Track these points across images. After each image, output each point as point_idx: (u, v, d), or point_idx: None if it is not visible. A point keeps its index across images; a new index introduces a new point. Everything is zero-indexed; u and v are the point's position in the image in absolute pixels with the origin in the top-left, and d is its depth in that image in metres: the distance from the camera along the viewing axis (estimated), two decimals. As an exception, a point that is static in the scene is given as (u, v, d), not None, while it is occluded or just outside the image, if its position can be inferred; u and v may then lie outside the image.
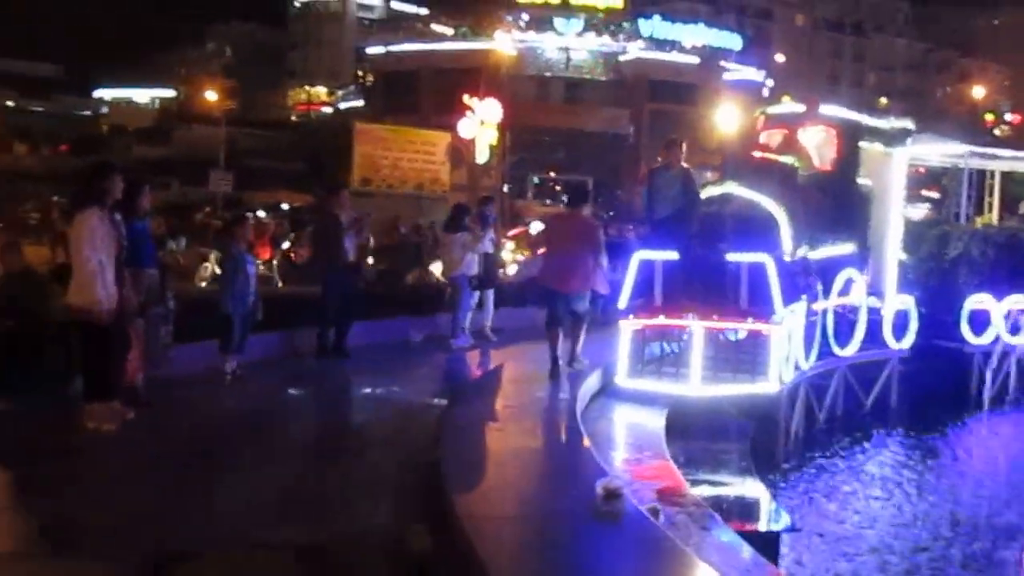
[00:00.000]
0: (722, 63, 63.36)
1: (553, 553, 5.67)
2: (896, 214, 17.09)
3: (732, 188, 13.61)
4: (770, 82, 70.28)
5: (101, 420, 8.58)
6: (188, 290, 13.76)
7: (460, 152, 39.77)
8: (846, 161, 15.71)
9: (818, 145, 15.71)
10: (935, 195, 24.65)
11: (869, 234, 16.30)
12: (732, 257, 12.05)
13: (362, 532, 6.61)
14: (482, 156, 40.28)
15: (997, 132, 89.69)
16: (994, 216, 22.23)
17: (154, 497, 7.07)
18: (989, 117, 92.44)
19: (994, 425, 16.85)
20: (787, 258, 13.20)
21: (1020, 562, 9.07)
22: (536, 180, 58.22)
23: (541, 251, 13.72)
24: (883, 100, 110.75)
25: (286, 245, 25.97)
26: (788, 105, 17.20)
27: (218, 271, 20.98)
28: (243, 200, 46.81)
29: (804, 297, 13.28)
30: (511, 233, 31.97)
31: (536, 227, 33.46)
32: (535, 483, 7.28)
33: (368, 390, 11.88)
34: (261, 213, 37.05)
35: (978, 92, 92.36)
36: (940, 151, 20.42)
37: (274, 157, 68.84)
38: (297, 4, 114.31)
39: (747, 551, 6.78)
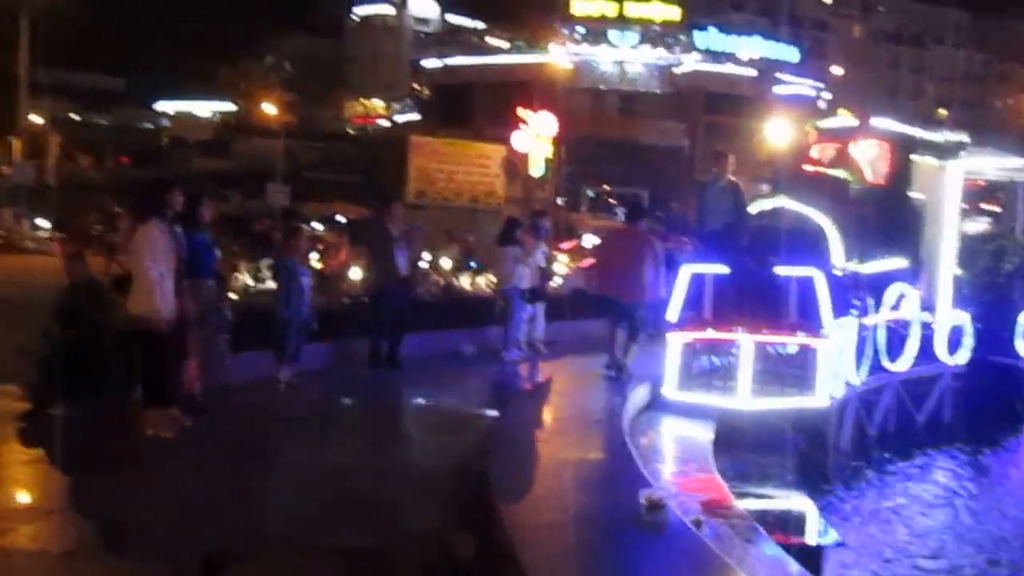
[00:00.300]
0: (778, 75, 63.05)
1: (594, 562, 5.80)
2: (950, 228, 16.92)
3: (783, 201, 13.68)
4: (827, 94, 69.81)
5: (160, 426, 8.86)
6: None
7: (515, 165, 39.93)
8: (898, 175, 15.68)
9: (871, 159, 15.69)
10: (996, 209, 24.25)
11: (922, 248, 16.19)
12: (781, 270, 12.09)
13: (409, 537, 6.79)
14: (537, 169, 40.47)
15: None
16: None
17: (209, 500, 7.33)
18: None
19: None
20: (837, 272, 13.22)
21: None
22: (591, 193, 58.20)
23: (586, 263, 13.97)
24: (942, 112, 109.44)
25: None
26: (840, 119, 17.15)
27: (250, 283, 21.38)
28: (300, 212, 47.41)
29: (854, 312, 13.27)
30: (564, 246, 32.03)
31: (589, 240, 33.61)
32: (579, 493, 7.38)
33: (419, 400, 12.07)
34: (317, 225, 37.44)
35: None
36: (996, 164, 20.18)
37: (331, 169, 69.51)
38: (355, 18, 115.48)
39: (790, 565, 6.82)
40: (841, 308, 12.62)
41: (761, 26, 79.84)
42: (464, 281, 21.67)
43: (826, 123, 16.80)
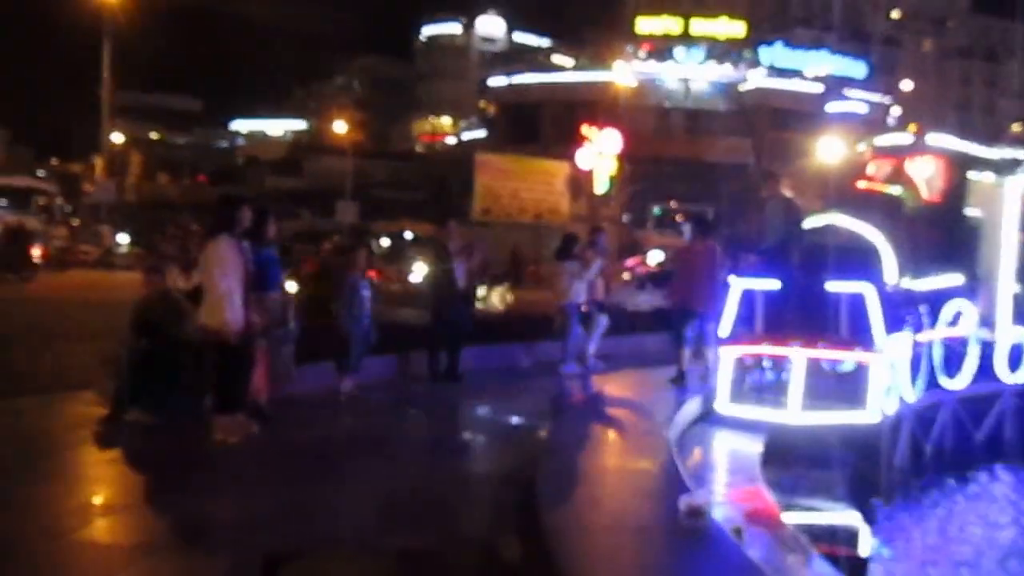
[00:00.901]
0: (845, 91, 62.70)
1: (630, 564, 6.07)
2: (1008, 245, 16.87)
3: (835, 218, 13.81)
4: (896, 109, 69.18)
5: (228, 432, 9.31)
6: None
7: (579, 182, 40.33)
8: (954, 192, 15.59)
9: (927, 176, 15.68)
10: None
11: (979, 265, 16.14)
12: (833, 286, 12.19)
13: (459, 541, 7.13)
14: (601, 186, 40.79)
15: None
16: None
17: (272, 502, 7.73)
18: None
19: None
20: (889, 288, 13.31)
21: None
22: (657, 211, 58.33)
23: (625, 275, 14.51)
24: (1016, 127, 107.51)
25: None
26: (896, 136, 17.14)
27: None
28: (369, 228, 48.21)
29: (908, 328, 13.33)
30: (629, 263, 32.26)
31: (654, 257, 33.79)
32: (623, 500, 7.65)
33: (475, 412, 12.44)
34: (385, 241, 38.10)
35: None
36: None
37: (399, 187, 70.48)
38: (423, 38, 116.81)
39: (827, 571, 7.01)
40: (894, 324, 12.69)
41: (828, 42, 79.38)
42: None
43: (882, 140, 16.77)
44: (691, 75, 61.33)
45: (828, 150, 39.37)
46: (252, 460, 9.09)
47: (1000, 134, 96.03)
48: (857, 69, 66.20)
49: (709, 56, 61.60)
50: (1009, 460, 15.20)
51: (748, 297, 12.27)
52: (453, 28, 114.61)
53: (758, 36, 66.11)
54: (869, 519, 10.78)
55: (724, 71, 61.51)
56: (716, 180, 54.26)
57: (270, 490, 8.12)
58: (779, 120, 58.28)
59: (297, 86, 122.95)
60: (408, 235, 45.02)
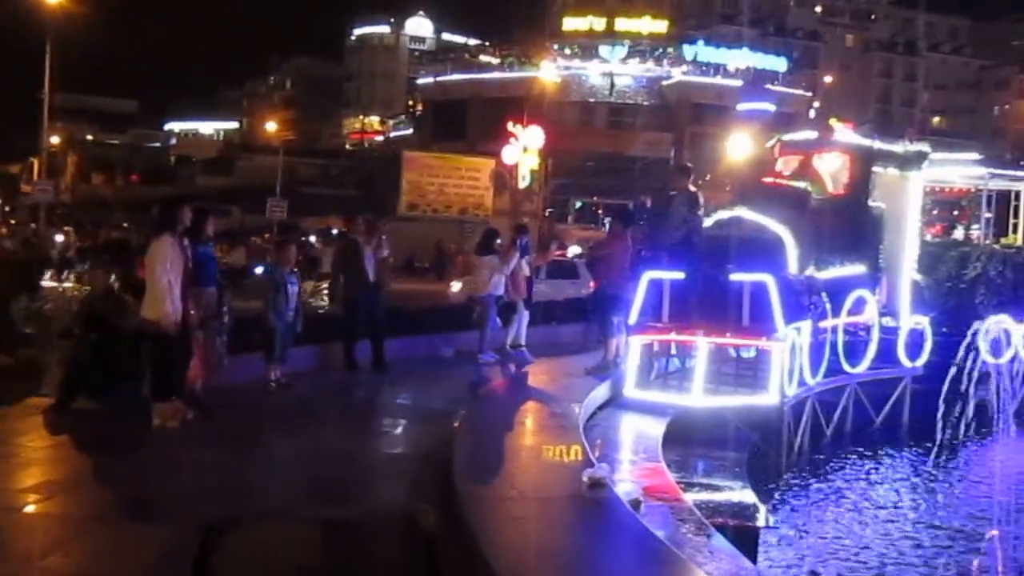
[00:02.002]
0: (767, 86, 63.92)
1: (534, 528, 6.67)
2: (911, 236, 17.53)
3: (741, 212, 14.49)
4: (817, 103, 70.64)
5: (166, 417, 9.95)
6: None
7: (504, 178, 40.95)
8: (858, 185, 16.26)
9: (833, 171, 16.33)
10: (988, 215, 24.89)
11: (881, 255, 16.85)
12: (736, 277, 12.79)
13: (380, 511, 7.72)
14: (524, 181, 41.53)
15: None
16: (1019, 237, 22.49)
17: (209, 478, 8.42)
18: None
19: (1009, 444, 17.06)
20: (792, 278, 13.99)
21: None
22: (579, 204, 59.14)
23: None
24: (936, 119, 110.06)
25: None
26: (803, 132, 17.84)
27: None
28: (298, 226, 48.45)
29: (810, 316, 14.00)
30: (551, 255, 32.86)
31: (574, 251, 34.45)
32: (531, 474, 8.24)
33: (398, 397, 12.96)
34: (312, 238, 38.41)
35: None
36: (961, 173, 20.90)
37: (329, 184, 70.65)
38: (353, 38, 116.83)
39: (715, 538, 7.47)
40: (796, 312, 13.35)
41: (751, 37, 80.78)
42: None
43: (790, 136, 17.44)
44: (615, 71, 62.11)
45: (737, 147, 40.42)
46: (189, 442, 9.68)
47: (923, 126, 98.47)
48: (779, 64, 67.46)
49: (633, 53, 62.47)
50: (906, 442, 15.82)
51: (656, 287, 12.79)
52: (382, 29, 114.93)
53: (681, 33, 67.22)
54: (766, 496, 11.42)
55: (647, 67, 62.40)
56: (638, 174, 55.24)
57: (207, 469, 8.74)
58: (701, 115, 59.31)
59: (230, 86, 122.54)
60: (336, 231, 45.36)
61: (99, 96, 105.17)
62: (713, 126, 57.50)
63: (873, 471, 14.38)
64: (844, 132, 17.13)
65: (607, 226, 27.59)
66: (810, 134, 17.47)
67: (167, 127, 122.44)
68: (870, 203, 16.73)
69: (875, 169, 16.76)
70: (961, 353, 15.56)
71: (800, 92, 68.26)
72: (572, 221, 55.19)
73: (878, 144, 17.52)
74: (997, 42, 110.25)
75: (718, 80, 62.21)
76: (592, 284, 24.73)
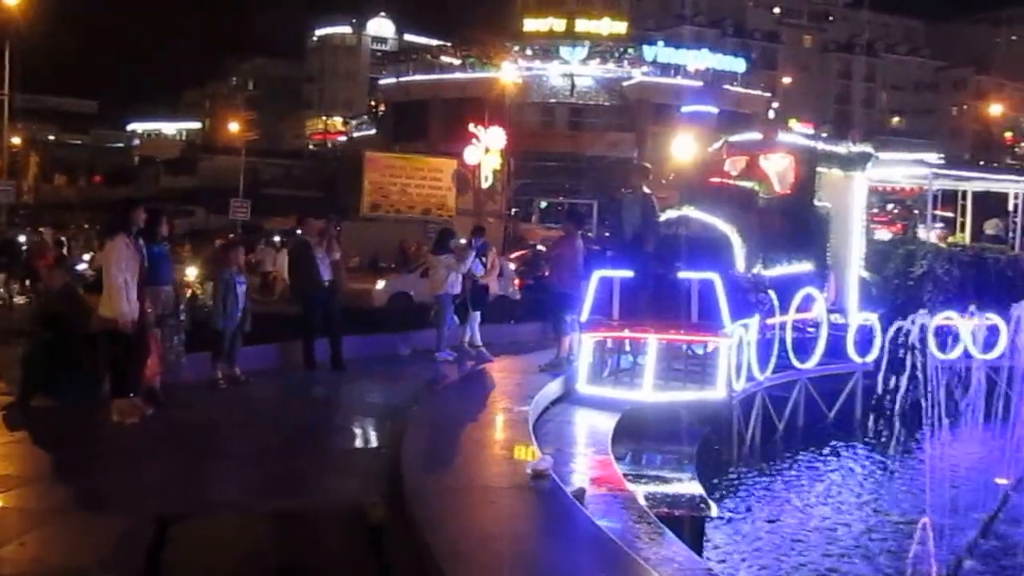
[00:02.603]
0: (726, 86, 64.55)
1: (479, 517, 6.94)
2: (857, 234, 18.00)
3: (689, 211, 14.85)
4: (776, 104, 71.38)
5: (124, 414, 10.16)
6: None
7: (466, 178, 41.21)
8: (803, 185, 16.74)
9: (779, 171, 16.77)
10: (949, 215, 25.37)
11: (828, 253, 17.32)
12: (684, 275, 13.08)
13: (330, 504, 7.96)
14: (486, 182, 41.88)
15: (1017, 150, 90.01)
16: (966, 235, 22.98)
17: (165, 472, 8.67)
18: (1008, 135, 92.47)
19: (963, 438, 17.42)
20: (740, 276, 14.34)
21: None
22: (543, 204, 59.47)
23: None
24: (895, 119, 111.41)
25: None
26: (749, 133, 18.24)
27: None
28: (261, 226, 48.50)
29: (758, 312, 14.34)
30: (514, 255, 33.17)
31: (538, 249, 34.75)
32: (478, 466, 8.50)
33: (353, 394, 13.21)
34: (276, 238, 38.52)
35: (995, 109, 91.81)
36: (905, 173, 21.38)
37: (291, 185, 70.68)
38: (315, 39, 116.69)
39: (658, 527, 7.63)
40: (743, 309, 13.68)
41: (710, 38, 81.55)
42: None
43: (737, 138, 17.84)
44: (576, 72, 62.50)
45: (682, 148, 41.00)
46: (146, 438, 9.93)
47: (882, 126, 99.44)
48: (737, 64, 68.10)
49: (593, 54, 62.90)
50: (857, 436, 16.15)
51: (607, 285, 13.05)
52: (344, 29, 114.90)
53: (641, 34, 67.73)
54: (715, 488, 11.73)
55: (608, 68, 62.84)
56: (600, 173, 55.61)
57: (162, 463, 9.01)
58: (662, 115, 59.73)
59: (193, 87, 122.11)
60: (299, 231, 45.26)
61: (60, 96, 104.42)
62: (674, 126, 57.95)
63: (821, 464, 14.65)
64: (788, 134, 17.59)
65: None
66: (756, 135, 17.94)
67: (129, 127, 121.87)
68: (816, 202, 17.20)
69: (820, 169, 17.23)
70: (910, 349, 16.16)
71: (759, 93, 68.93)
72: (536, 221, 55.53)
73: (822, 145, 18.02)
74: (951, 43, 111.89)
75: (678, 80, 62.74)
76: (517, 282, 25.23)
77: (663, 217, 14.70)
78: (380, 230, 33.69)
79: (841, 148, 18.05)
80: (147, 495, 7.89)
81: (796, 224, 16.46)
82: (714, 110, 55.19)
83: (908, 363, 16.86)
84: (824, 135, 68.86)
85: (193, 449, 9.66)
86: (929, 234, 23.99)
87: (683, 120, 52.52)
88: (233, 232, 42.90)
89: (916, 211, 22.70)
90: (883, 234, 28.85)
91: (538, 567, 6.02)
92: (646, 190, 14.13)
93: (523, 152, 49.89)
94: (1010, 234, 20.93)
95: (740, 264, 14.65)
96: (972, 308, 16.80)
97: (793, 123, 72.66)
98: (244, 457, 9.49)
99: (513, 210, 54.50)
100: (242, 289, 12.80)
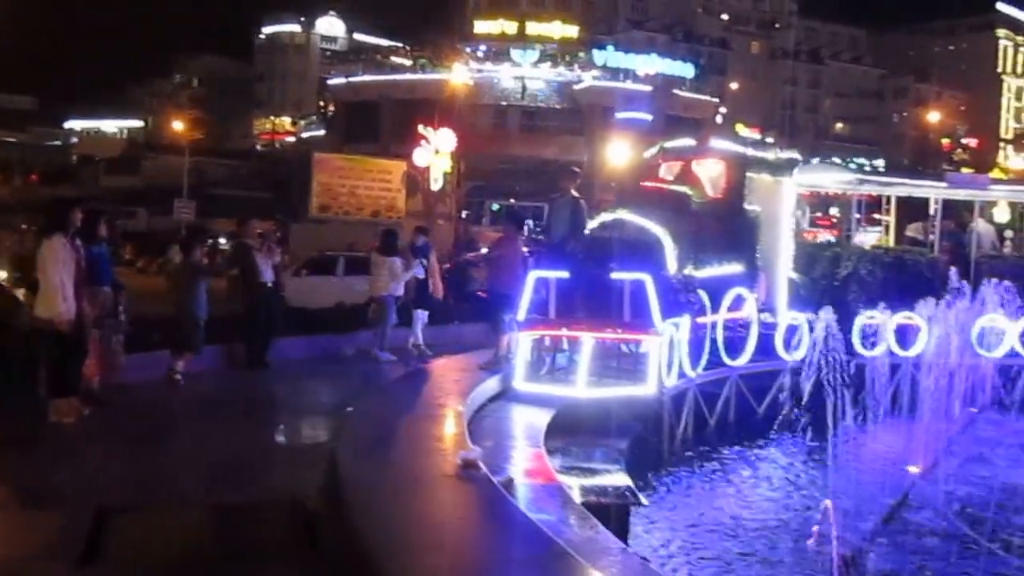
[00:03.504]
0: (675, 90, 65.39)
1: (404, 505, 7.32)
2: (786, 237, 18.63)
3: (622, 214, 15.35)
4: (724, 109, 72.35)
5: (62, 414, 10.37)
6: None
7: (416, 180, 41.47)
8: (735, 190, 17.30)
9: (711, 176, 17.35)
10: (887, 219, 26.04)
11: (758, 255, 17.84)
12: (616, 275, 13.48)
13: (267, 496, 8.34)
14: (436, 184, 42.16)
15: (955, 156, 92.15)
16: (890, 238, 23.63)
17: (105, 469, 8.94)
18: (945, 141, 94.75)
19: (883, 431, 18.05)
20: (671, 277, 14.84)
21: (833, 561, 10.14)
22: (495, 207, 59.80)
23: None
24: (839, 126, 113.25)
25: None
26: (683, 140, 18.79)
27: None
28: (207, 228, 48.24)
29: (688, 312, 14.85)
30: (468, 256, 33.48)
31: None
32: (411, 458, 8.85)
33: (295, 393, 13.56)
34: (222, 240, 38.51)
35: (933, 117, 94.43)
36: (832, 179, 22.11)
37: (239, 185, 70.17)
38: (262, 37, 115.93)
39: (583, 514, 8.02)
40: (674, 308, 14.17)
41: (661, 43, 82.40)
42: None
43: (671, 144, 18.39)
44: (527, 74, 62.96)
45: (618, 153, 41.75)
46: (85, 437, 10.17)
47: (826, 132, 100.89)
48: (686, 70, 69.01)
49: (544, 57, 63.43)
50: (786, 431, 15.97)
51: (542, 285, 13.45)
52: (293, 27, 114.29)
53: (592, 38, 68.34)
54: (645, 480, 12.20)
55: (559, 71, 63.39)
56: (551, 176, 55.93)
57: (102, 461, 9.30)
58: (610, 119, 60.30)
59: (135, 84, 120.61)
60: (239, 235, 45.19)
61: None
62: (624, 129, 58.57)
63: (749, 456, 15.14)
64: (720, 141, 18.15)
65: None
66: (689, 142, 18.50)
67: (67, 125, 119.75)
68: (746, 206, 17.74)
69: (750, 175, 17.80)
70: (835, 346, 16.68)
71: (707, 98, 69.86)
72: (487, 223, 55.83)
73: (751, 151, 18.63)
74: (893, 52, 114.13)
75: (627, 85, 63.40)
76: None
77: (599, 219, 15.19)
78: (330, 231, 33.96)
79: (769, 154, 18.67)
80: (87, 491, 8.09)
81: (727, 227, 16.95)
82: (648, 117, 55.98)
83: (833, 360, 17.69)
84: (770, 140, 70.11)
85: (135, 447, 9.88)
86: (865, 237, 24.78)
87: (619, 126, 53.22)
88: (177, 233, 42.81)
89: (858, 216, 23.36)
90: (825, 237, 29.70)
91: (460, 547, 6.44)
92: (575, 193, 14.59)
93: (475, 154, 50.21)
94: (930, 236, 21.64)
95: (672, 265, 15.12)
96: (881, 306, 17.36)
97: (740, 128, 73.87)
98: (186, 454, 9.82)
99: (464, 212, 54.84)
100: (203, 285, 13.20)
